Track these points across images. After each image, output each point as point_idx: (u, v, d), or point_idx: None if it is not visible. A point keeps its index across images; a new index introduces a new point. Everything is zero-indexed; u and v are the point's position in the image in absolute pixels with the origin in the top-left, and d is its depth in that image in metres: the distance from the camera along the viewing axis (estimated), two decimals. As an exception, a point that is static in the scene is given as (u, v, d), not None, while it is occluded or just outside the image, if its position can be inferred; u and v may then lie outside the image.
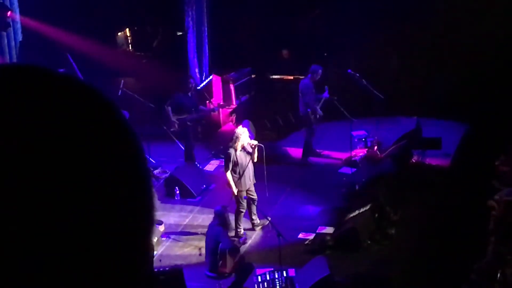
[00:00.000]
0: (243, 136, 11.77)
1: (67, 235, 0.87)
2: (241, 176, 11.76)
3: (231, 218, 11.66)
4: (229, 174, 11.80)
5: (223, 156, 12.93)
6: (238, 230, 11.87)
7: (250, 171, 11.87)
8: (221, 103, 16.09)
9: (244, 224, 12.07)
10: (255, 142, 11.86)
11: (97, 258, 0.89)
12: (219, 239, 10.65)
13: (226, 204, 11.81)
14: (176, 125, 14.13)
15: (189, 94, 14.29)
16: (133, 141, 0.97)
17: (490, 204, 8.48)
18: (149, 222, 0.98)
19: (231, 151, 11.76)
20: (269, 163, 12.16)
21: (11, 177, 0.86)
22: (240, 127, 12.34)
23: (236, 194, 11.82)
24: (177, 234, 12.21)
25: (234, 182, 11.78)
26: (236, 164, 11.75)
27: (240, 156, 11.75)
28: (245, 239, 11.74)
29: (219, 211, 10.95)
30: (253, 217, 12.15)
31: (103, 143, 0.92)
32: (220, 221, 10.84)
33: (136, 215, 0.95)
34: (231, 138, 11.94)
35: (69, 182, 0.87)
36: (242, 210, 11.88)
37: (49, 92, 0.92)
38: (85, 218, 0.88)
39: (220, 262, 10.67)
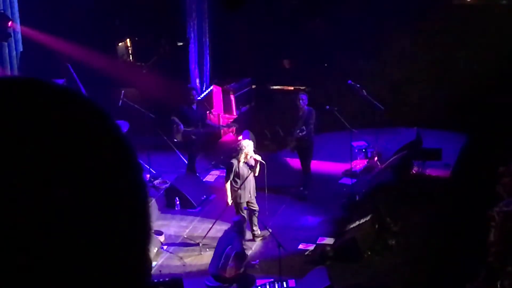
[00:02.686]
0: (248, 149, 11.80)
1: (60, 247, 0.87)
2: (240, 187, 11.78)
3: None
4: (228, 184, 11.85)
5: (223, 167, 12.91)
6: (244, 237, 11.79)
7: (250, 183, 11.89)
8: (228, 123, 16.06)
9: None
10: (259, 158, 11.86)
11: (92, 269, 0.89)
12: (231, 242, 10.52)
13: (226, 214, 11.80)
14: (181, 136, 14.10)
15: (194, 106, 14.26)
16: (127, 153, 0.98)
17: (490, 215, 8.47)
18: (144, 232, 0.98)
19: (234, 162, 11.80)
20: (269, 174, 12.15)
21: (7, 189, 0.86)
22: (246, 140, 12.37)
23: (229, 203, 11.86)
24: (177, 244, 12.20)
25: (234, 193, 11.80)
26: (237, 175, 11.77)
27: (242, 168, 11.78)
28: (256, 264, 11.55)
29: (238, 221, 10.93)
30: (254, 228, 12.15)
31: (97, 155, 0.93)
32: (237, 229, 10.79)
33: (131, 225, 0.95)
34: (235, 149, 11.96)
35: (63, 193, 0.88)
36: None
37: (45, 105, 0.93)
38: (79, 229, 0.88)
39: (222, 263, 10.42)
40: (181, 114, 14.05)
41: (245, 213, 11.85)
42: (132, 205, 0.96)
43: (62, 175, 0.88)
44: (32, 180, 0.87)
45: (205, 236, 12.12)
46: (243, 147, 11.82)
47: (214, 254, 10.78)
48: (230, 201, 11.84)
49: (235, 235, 10.64)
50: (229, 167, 11.91)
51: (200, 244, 11.90)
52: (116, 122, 0.99)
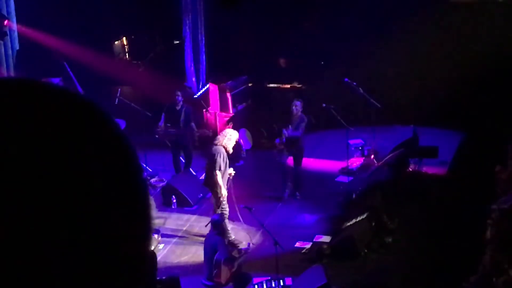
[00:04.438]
0: (233, 139, 11.57)
1: (60, 246, 0.87)
2: (222, 178, 11.55)
3: (229, 226, 11.64)
4: (220, 173, 11.43)
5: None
6: (228, 235, 11.71)
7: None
8: (204, 131, 15.74)
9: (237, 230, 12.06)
10: (232, 172, 11.62)
11: (92, 268, 0.89)
12: (216, 248, 10.51)
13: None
14: (160, 133, 14.07)
15: (178, 107, 14.11)
16: (128, 152, 0.97)
17: (487, 214, 8.50)
18: (145, 230, 0.98)
19: (221, 148, 11.44)
20: (266, 172, 12.15)
21: (5, 190, 0.86)
22: (231, 129, 12.21)
23: (223, 196, 11.53)
24: (174, 243, 12.19)
25: (217, 185, 11.56)
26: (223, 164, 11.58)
27: (226, 158, 11.52)
28: (248, 248, 11.54)
29: (216, 221, 10.77)
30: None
31: (97, 155, 0.92)
32: (217, 231, 10.69)
33: (131, 224, 0.95)
34: (223, 135, 11.67)
35: (63, 194, 0.88)
36: (226, 214, 11.72)
37: (41, 106, 0.92)
38: (78, 229, 0.88)
39: (215, 271, 10.47)
40: (166, 113, 14.03)
41: (227, 206, 11.64)
42: (133, 205, 0.96)
43: (61, 176, 0.88)
44: (31, 182, 0.87)
45: (185, 228, 12.19)
46: (231, 136, 11.54)
47: (204, 260, 10.69)
48: (225, 192, 11.56)
49: (218, 239, 10.47)
50: (219, 154, 11.37)
51: (180, 233, 11.97)
52: (116, 121, 0.99)
